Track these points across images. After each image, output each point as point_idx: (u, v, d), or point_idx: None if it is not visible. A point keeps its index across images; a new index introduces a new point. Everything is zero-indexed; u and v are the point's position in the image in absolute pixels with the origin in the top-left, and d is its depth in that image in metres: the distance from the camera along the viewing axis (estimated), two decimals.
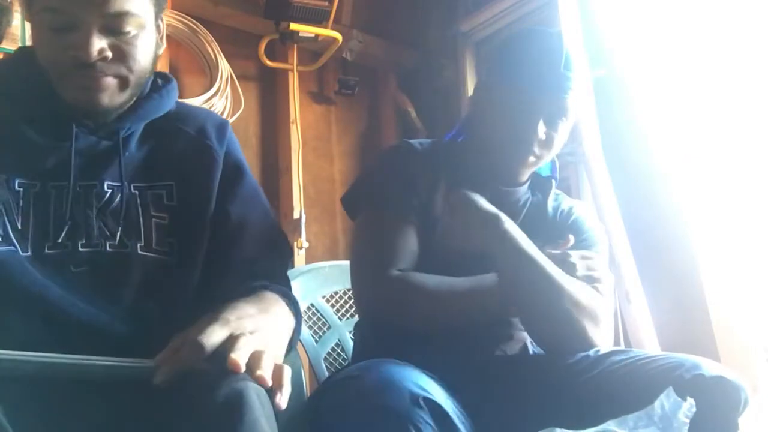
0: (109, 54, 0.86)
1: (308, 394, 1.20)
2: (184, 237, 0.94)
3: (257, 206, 1.04)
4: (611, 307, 1.13)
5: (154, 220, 0.93)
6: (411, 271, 1.07)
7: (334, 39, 2.37)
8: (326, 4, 2.28)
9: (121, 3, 0.85)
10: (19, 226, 0.85)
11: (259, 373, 0.68)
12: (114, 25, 0.86)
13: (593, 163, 1.96)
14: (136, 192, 0.93)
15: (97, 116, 0.91)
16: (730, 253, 1.76)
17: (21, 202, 0.86)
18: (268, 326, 0.80)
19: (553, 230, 1.18)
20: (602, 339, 1.05)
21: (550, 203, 1.23)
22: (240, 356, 0.68)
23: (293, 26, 2.26)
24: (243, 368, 0.67)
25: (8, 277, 0.81)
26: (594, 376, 0.97)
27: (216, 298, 0.86)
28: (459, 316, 1.04)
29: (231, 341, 0.71)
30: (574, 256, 1.06)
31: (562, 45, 1.10)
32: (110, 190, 0.91)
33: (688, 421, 0.67)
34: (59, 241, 0.87)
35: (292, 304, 0.90)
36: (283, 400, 0.70)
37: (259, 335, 0.75)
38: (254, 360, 0.70)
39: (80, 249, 0.87)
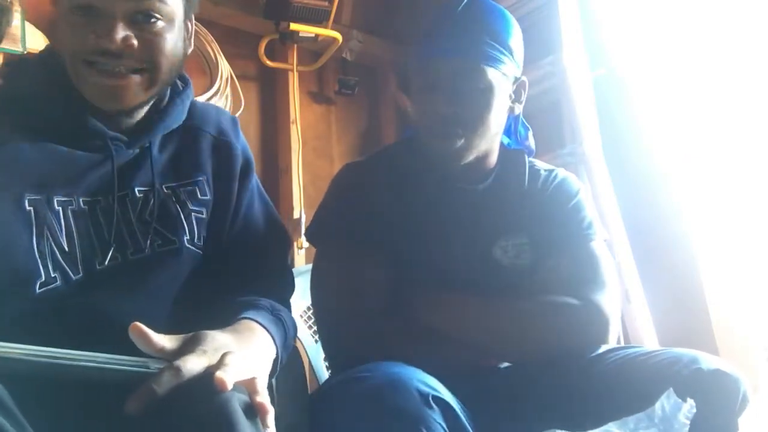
0: (135, 43, 0.82)
1: (308, 395, 1.20)
2: (215, 231, 0.95)
3: (262, 199, 1.05)
4: (616, 298, 1.08)
5: (193, 214, 0.93)
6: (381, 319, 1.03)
7: (334, 39, 2.37)
8: (326, 4, 2.28)
9: None
10: (66, 248, 0.83)
11: (258, 400, 0.66)
12: (141, 13, 0.83)
13: (593, 163, 1.96)
14: (169, 191, 0.93)
15: (118, 117, 0.89)
16: (730, 252, 1.76)
17: (62, 221, 0.83)
18: (244, 352, 0.76)
19: (528, 213, 1.12)
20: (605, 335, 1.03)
21: (526, 182, 1.14)
22: (226, 374, 0.65)
23: (293, 26, 2.26)
24: (230, 386, 0.65)
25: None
26: (593, 375, 0.97)
27: (213, 301, 0.86)
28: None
29: (220, 359, 0.68)
30: None
31: (483, 12, 1.07)
32: (142, 195, 0.90)
33: (688, 422, 0.67)
34: (109, 256, 0.85)
35: (280, 326, 0.88)
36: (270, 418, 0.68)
37: (239, 363, 0.71)
38: (251, 384, 0.68)
39: (130, 257, 0.86)
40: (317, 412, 0.90)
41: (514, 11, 2.36)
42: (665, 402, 0.67)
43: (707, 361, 0.89)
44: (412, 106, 1.10)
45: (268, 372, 0.82)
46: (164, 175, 0.93)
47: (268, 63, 2.36)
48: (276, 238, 1.05)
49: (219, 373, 0.65)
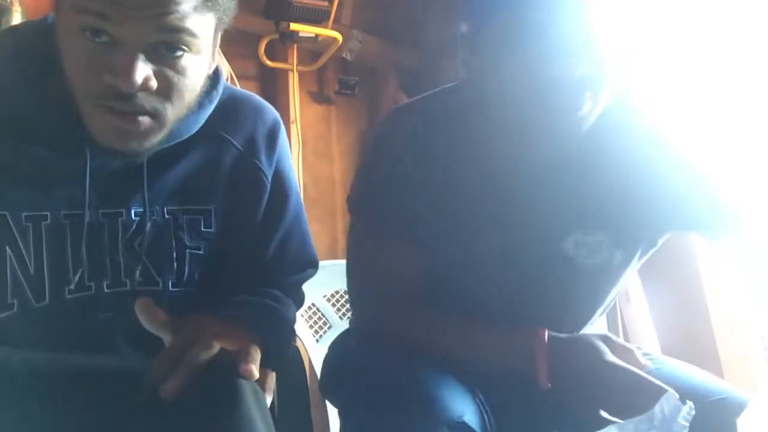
0: (154, 84, 0.68)
1: (309, 394, 1.20)
2: (215, 269, 0.84)
3: (295, 235, 0.92)
4: None
5: (188, 251, 0.81)
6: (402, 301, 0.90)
7: (334, 39, 2.37)
8: (326, 4, 2.28)
9: (180, 18, 0.66)
10: (32, 271, 0.72)
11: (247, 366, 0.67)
12: (165, 45, 0.68)
13: None
14: (170, 217, 0.80)
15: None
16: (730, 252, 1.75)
17: (32, 239, 0.72)
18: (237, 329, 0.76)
19: (617, 201, 0.90)
20: None
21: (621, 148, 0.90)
22: (250, 364, 0.67)
23: (293, 26, 2.26)
24: (256, 375, 0.67)
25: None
26: None
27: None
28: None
29: (243, 349, 0.70)
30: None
31: None
32: (138, 218, 0.77)
33: (687, 424, 0.67)
34: (81, 283, 0.74)
35: (274, 324, 0.85)
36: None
37: (232, 335, 0.73)
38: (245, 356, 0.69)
39: (105, 290, 0.76)
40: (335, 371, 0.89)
41: None
42: (665, 404, 0.67)
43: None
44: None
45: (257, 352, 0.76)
46: (169, 194, 0.80)
47: (268, 63, 2.36)
48: (297, 266, 0.94)
49: (243, 365, 0.66)
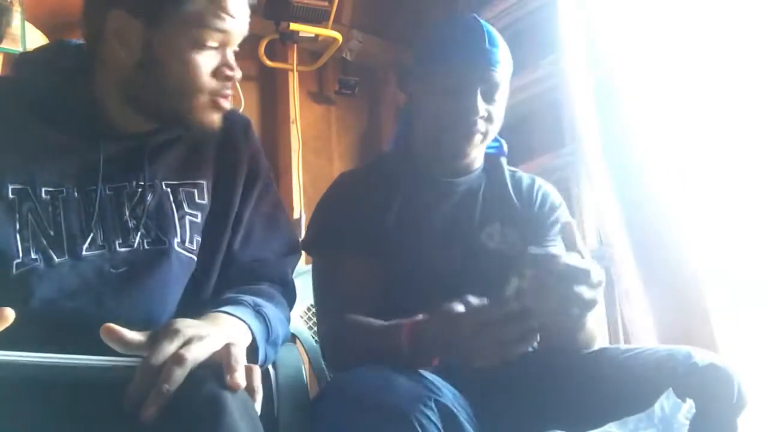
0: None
1: (309, 394, 1.20)
2: (210, 238, 0.94)
3: (273, 208, 1.05)
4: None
5: (187, 217, 0.93)
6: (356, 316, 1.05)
7: (334, 39, 2.37)
8: (326, 4, 2.29)
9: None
10: (52, 233, 0.85)
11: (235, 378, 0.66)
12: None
13: (593, 163, 1.96)
14: (168, 189, 0.93)
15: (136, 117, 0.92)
16: (730, 252, 1.76)
17: (50, 209, 0.85)
18: (217, 332, 0.75)
19: (517, 210, 1.19)
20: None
21: (509, 181, 1.22)
22: (238, 373, 0.66)
23: (293, 26, 2.27)
24: (243, 384, 0.66)
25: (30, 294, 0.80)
26: (593, 376, 0.97)
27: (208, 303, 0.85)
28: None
29: (225, 355, 0.68)
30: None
31: (481, 24, 1.14)
32: (140, 189, 0.90)
33: (687, 422, 0.67)
34: (95, 243, 0.86)
35: (261, 320, 0.87)
36: (257, 404, 0.68)
37: (212, 337, 0.72)
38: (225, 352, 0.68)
39: (118, 249, 0.87)
40: (316, 413, 0.91)
41: (514, 12, 2.38)
42: (665, 402, 0.67)
43: (701, 356, 0.92)
44: (426, 106, 1.16)
45: (242, 345, 0.79)
46: (168, 171, 0.94)
47: (268, 63, 2.36)
48: (281, 250, 1.03)
49: (229, 379, 0.65)
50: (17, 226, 0.83)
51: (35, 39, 1.90)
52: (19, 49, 1.84)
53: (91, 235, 0.86)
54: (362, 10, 2.62)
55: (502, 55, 1.13)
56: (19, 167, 0.85)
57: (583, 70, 2.03)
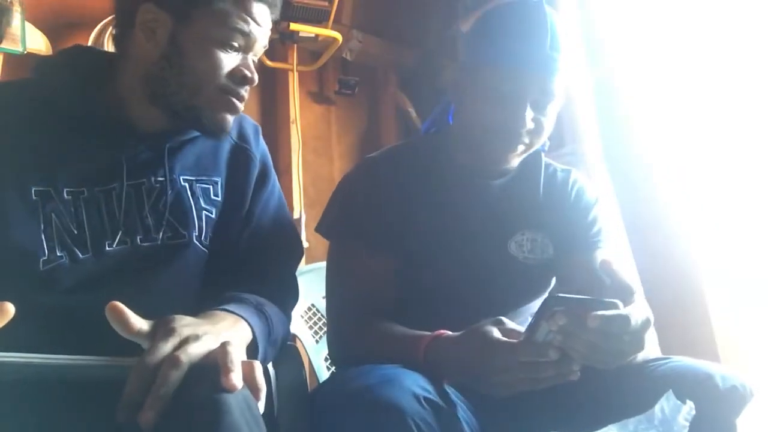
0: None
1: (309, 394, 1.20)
2: (223, 234, 0.97)
3: (278, 208, 1.07)
4: None
5: (204, 212, 0.96)
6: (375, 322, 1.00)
7: (334, 39, 2.37)
8: (326, 4, 2.29)
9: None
10: (75, 231, 0.88)
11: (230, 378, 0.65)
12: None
13: (593, 163, 1.96)
14: (186, 185, 0.96)
15: (156, 117, 0.95)
16: (730, 252, 1.76)
17: (72, 208, 0.88)
18: (214, 330, 0.74)
19: (551, 213, 1.13)
20: None
21: (542, 180, 1.16)
22: (234, 373, 0.65)
23: (293, 26, 2.27)
24: (239, 385, 0.64)
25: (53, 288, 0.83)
26: (593, 377, 0.97)
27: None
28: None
29: (221, 355, 0.67)
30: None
31: (547, 19, 1.02)
32: (159, 185, 0.93)
33: (687, 424, 0.67)
34: (119, 239, 0.89)
35: (263, 319, 0.87)
36: (260, 402, 0.67)
37: (208, 336, 0.71)
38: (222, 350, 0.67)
39: (140, 244, 0.90)
40: (314, 410, 0.89)
41: None
42: (665, 404, 0.67)
43: (702, 362, 0.91)
44: (473, 105, 1.06)
45: (242, 342, 0.80)
46: (184, 168, 0.96)
47: (268, 63, 2.36)
48: (285, 248, 1.06)
49: (224, 379, 0.64)
50: (41, 226, 0.86)
51: (35, 39, 1.91)
52: (19, 49, 1.84)
53: (115, 232, 0.89)
54: (362, 10, 2.62)
55: (563, 61, 1.02)
56: (41, 169, 0.88)
57: (583, 70, 2.03)
